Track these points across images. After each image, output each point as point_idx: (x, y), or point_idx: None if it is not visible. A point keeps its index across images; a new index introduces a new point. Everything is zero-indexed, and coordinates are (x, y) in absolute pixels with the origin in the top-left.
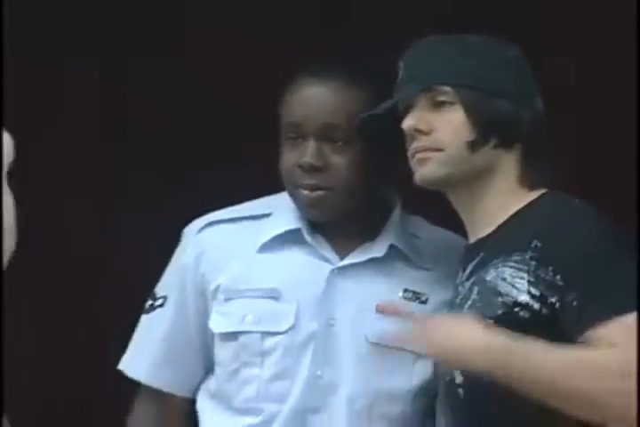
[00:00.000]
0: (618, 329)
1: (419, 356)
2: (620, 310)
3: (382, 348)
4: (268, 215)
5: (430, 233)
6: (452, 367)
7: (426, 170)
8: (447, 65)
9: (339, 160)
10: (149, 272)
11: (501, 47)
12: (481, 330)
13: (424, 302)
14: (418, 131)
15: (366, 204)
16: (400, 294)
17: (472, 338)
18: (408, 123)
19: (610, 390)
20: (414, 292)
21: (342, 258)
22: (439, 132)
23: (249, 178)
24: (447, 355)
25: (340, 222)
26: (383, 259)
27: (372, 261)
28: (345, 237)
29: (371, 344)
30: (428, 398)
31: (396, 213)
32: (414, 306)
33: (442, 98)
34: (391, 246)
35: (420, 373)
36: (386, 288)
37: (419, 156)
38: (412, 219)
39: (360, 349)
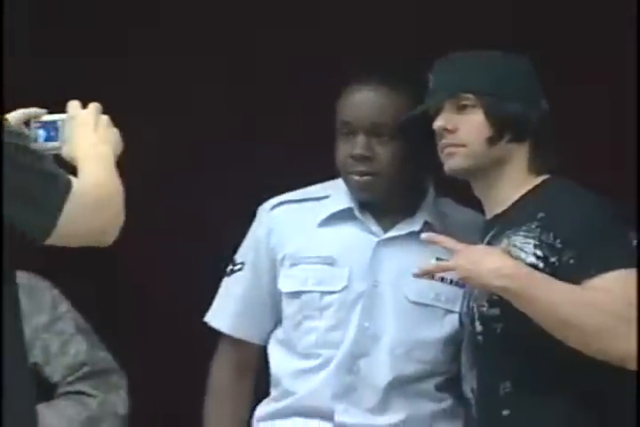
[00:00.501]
0: (612, 279)
1: (447, 311)
2: (613, 266)
3: (418, 305)
4: (326, 197)
5: (456, 212)
6: (475, 287)
7: (452, 162)
8: (469, 76)
9: (383, 151)
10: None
11: (513, 60)
12: (508, 257)
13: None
14: (445, 130)
15: (405, 187)
16: (433, 261)
17: (499, 260)
18: (437, 124)
19: (602, 327)
20: (443, 260)
21: (386, 231)
22: (463, 131)
23: (312, 167)
24: (472, 276)
25: (385, 202)
26: (419, 232)
27: (411, 234)
28: (388, 214)
29: (409, 302)
30: (455, 345)
31: (430, 196)
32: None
33: (465, 102)
34: (426, 223)
35: (448, 325)
36: (421, 257)
37: (446, 151)
38: (442, 200)
39: (400, 305)
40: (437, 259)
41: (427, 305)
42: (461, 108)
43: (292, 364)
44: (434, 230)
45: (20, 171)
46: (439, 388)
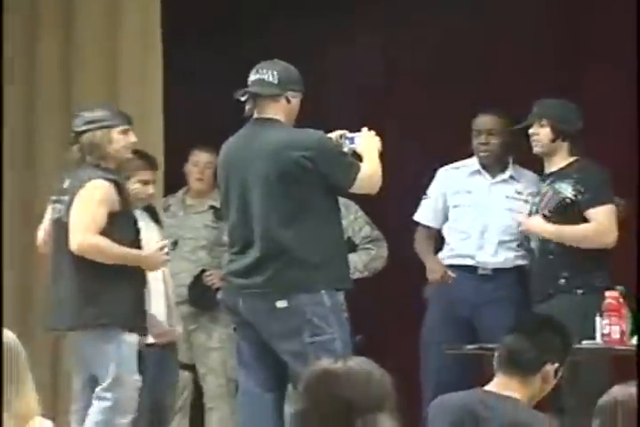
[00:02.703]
0: (598, 211)
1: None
2: (602, 203)
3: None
4: (466, 166)
5: (521, 171)
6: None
7: (536, 149)
8: (545, 111)
9: (494, 140)
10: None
11: (565, 104)
12: (545, 222)
13: (525, 199)
14: (533, 134)
15: (504, 158)
16: (516, 195)
17: (541, 225)
18: (530, 131)
19: (590, 243)
20: (520, 192)
21: (494, 178)
22: (540, 135)
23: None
24: (531, 231)
25: (494, 166)
26: (507, 180)
27: (503, 180)
28: (495, 171)
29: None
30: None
31: (510, 164)
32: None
33: (543, 123)
34: (511, 176)
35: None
36: (509, 191)
37: (534, 143)
38: (515, 166)
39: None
40: (518, 193)
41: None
42: (540, 124)
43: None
44: (514, 181)
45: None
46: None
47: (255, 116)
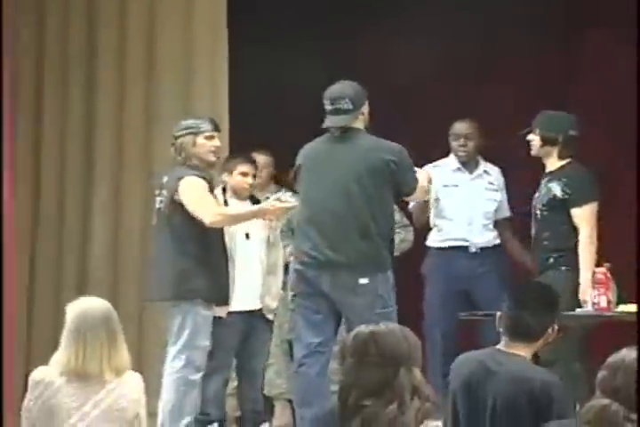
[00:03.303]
0: (583, 210)
1: None
2: (586, 202)
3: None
4: (447, 164)
5: (493, 167)
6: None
7: (532, 152)
8: (540, 123)
9: (470, 143)
10: None
11: (556, 116)
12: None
13: (496, 189)
14: (529, 140)
15: (477, 157)
16: (490, 186)
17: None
18: (527, 138)
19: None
20: (492, 183)
21: (471, 173)
22: (533, 142)
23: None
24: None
25: (470, 163)
26: (482, 174)
27: (479, 175)
28: (472, 168)
29: None
30: None
31: (482, 161)
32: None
33: (535, 131)
34: (484, 171)
35: None
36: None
37: (531, 148)
38: (487, 163)
39: None
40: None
41: None
42: (533, 133)
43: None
44: (486, 173)
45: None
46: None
47: (333, 126)
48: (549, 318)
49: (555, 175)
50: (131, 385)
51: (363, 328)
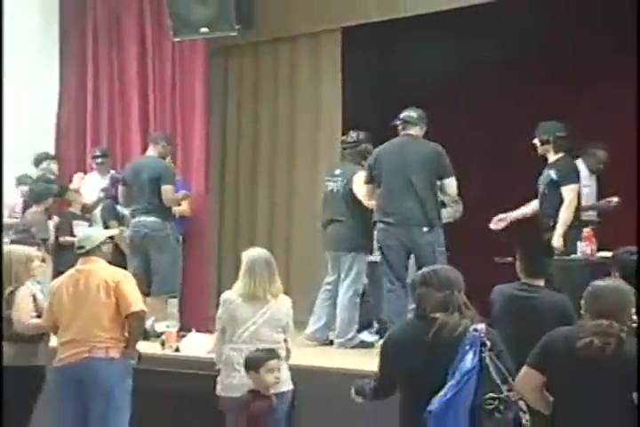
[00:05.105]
0: (567, 189)
1: None
2: (570, 183)
3: None
4: None
5: None
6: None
7: (538, 151)
8: (537, 129)
9: None
10: None
11: (550, 124)
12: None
13: None
14: (534, 143)
15: None
16: None
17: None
18: (533, 142)
19: (568, 211)
20: None
21: None
22: (536, 144)
23: None
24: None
25: None
26: None
27: None
28: None
29: None
30: None
31: None
32: None
33: (537, 138)
34: None
35: None
36: None
37: (537, 149)
38: None
39: None
40: None
41: None
42: (537, 138)
43: None
44: None
45: None
46: None
47: (403, 133)
48: (549, 259)
49: (551, 165)
50: (283, 304)
51: (425, 268)
